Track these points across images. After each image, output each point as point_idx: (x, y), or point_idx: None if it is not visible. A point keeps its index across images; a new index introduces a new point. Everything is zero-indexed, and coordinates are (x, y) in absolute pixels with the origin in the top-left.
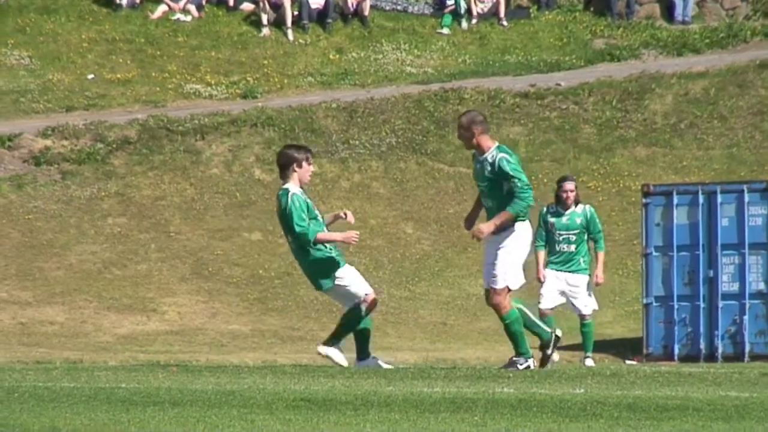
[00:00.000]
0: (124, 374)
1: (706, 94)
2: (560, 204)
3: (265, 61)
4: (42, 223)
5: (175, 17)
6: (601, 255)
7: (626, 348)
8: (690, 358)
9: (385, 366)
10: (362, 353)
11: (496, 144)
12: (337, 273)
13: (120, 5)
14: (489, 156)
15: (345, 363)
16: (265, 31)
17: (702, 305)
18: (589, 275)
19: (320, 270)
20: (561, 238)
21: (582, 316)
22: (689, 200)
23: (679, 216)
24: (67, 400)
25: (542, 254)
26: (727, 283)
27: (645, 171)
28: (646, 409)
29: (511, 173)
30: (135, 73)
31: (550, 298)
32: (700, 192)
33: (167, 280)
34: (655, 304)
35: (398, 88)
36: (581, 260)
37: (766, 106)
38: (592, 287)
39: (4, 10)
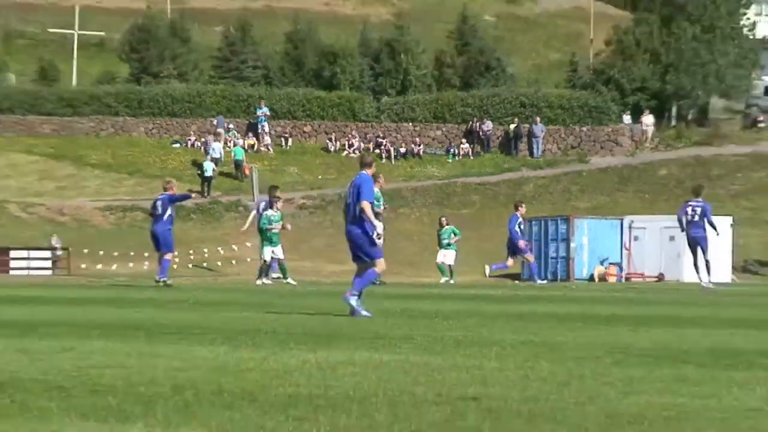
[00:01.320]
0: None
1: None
2: (441, 228)
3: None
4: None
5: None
6: (457, 239)
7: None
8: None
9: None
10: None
11: None
12: (264, 246)
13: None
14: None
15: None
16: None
17: None
18: (455, 251)
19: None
20: (445, 237)
21: (449, 266)
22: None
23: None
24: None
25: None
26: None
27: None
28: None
29: None
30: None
31: (439, 257)
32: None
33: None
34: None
35: (431, 181)
36: (450, 244)
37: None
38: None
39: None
